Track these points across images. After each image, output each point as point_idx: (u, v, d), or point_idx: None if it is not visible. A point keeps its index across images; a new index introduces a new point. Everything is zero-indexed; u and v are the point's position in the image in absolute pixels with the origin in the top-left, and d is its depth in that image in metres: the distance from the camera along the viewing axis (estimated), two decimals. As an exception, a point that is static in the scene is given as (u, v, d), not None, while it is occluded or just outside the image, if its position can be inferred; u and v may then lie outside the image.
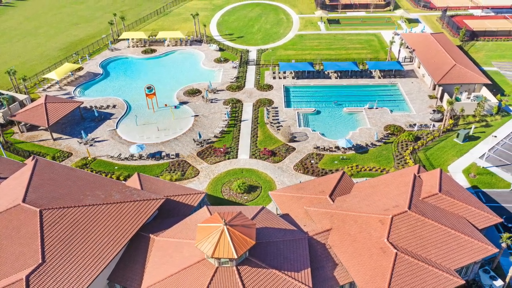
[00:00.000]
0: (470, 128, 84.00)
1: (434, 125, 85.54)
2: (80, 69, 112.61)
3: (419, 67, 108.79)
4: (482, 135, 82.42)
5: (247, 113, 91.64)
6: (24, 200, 50.03)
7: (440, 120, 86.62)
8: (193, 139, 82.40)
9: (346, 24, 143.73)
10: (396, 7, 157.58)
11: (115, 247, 48.86)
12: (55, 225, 48.66)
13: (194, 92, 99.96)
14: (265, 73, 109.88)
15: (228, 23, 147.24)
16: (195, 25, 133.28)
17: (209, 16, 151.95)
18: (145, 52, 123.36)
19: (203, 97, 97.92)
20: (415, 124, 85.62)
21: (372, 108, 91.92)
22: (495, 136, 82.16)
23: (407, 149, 78.31)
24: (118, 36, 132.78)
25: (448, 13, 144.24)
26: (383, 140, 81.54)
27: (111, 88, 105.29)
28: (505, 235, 52.83)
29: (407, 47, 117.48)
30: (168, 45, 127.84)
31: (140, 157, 77.53)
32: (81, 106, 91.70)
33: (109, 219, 51.33)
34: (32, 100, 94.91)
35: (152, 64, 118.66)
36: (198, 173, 73.80)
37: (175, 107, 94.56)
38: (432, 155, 77.50)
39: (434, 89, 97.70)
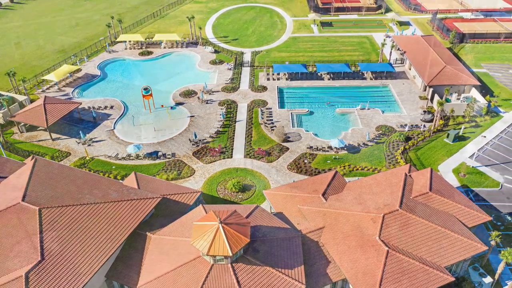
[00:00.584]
0: (460, 128, 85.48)
1: (424, 126, 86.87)
2: (78, 70, 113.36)
3: (410, 69, 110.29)
4: (472, 135, 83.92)
5: (242, 114, 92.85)
6: (23, 199, 50.86)
7: (431, 121, 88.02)
8: (189, 139, 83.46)
9: (338, 27, 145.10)
10: (388, 10, 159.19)
11: (113, 245, 49.68)
12: (54, 223, 49.53)
13: (190, 93, 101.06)
14: (260, 75, 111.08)
15: (223, 25, 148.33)
16: (191, 27, 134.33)
17: (205, 19, 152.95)
18: (142, 54, 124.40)
19: (198, 98, 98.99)
20: (406, 125, 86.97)
21: (364, 109, 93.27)
22: (484, 136, 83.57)
23: (398, 149, 79.66)
24: (116, 39, 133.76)
25: (439, 15, 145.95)
26: (375, 140, 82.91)
27: (109, 89, 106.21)
28: (494, 233, 53.95)
29: (398, 49, 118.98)
30: (164, 47, 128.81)
31: (137, 156, 78.54)
32: (80, 107, 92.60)
33: (107, 217, 52.15)
34: (32, 101, 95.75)
35: (149, 65, 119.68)
36: (194, 173, 74.86)
37: (171, 108, 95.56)
38: (422, 155, 78.86)
39: (424, 90, 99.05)
